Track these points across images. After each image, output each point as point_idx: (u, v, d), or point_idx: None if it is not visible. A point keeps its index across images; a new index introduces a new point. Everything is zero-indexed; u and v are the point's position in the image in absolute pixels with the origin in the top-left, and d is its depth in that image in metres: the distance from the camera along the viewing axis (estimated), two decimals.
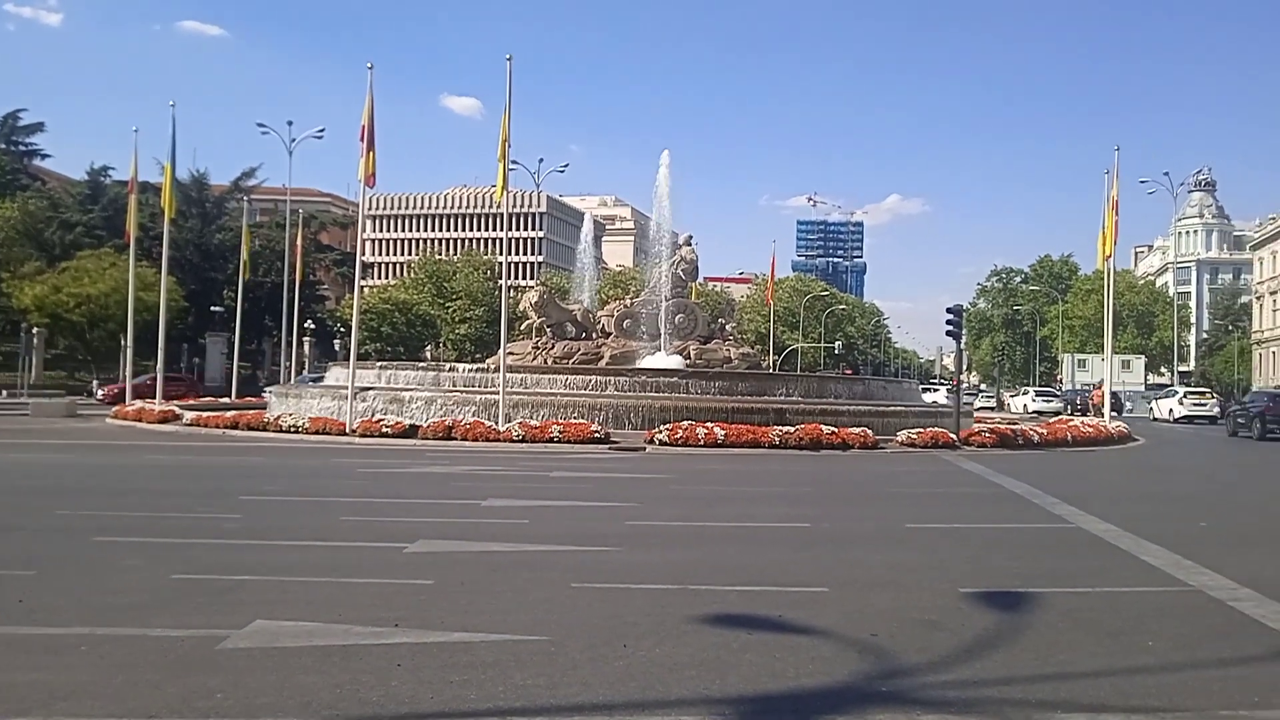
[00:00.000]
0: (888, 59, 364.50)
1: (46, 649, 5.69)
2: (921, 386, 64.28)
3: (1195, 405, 48.37)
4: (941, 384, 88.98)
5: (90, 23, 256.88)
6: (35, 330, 53.98)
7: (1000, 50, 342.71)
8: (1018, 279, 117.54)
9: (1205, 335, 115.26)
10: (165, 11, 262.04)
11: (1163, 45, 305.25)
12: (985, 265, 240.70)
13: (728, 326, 37.85)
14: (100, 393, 45.35)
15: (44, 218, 66.98)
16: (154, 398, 31.06)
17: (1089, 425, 29.66)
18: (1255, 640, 6.31)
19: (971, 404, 54.05)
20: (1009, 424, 28.88)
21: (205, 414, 28.01)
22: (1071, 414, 47.97)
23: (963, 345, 30.93)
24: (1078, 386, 74.96)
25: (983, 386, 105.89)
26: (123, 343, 36.98)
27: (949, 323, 27.62)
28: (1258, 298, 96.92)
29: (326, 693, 4.97)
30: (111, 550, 8.88)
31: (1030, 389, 72.66)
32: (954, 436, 24.05)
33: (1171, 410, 45.87)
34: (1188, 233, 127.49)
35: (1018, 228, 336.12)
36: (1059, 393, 69.43)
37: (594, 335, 34.93)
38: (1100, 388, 45.63)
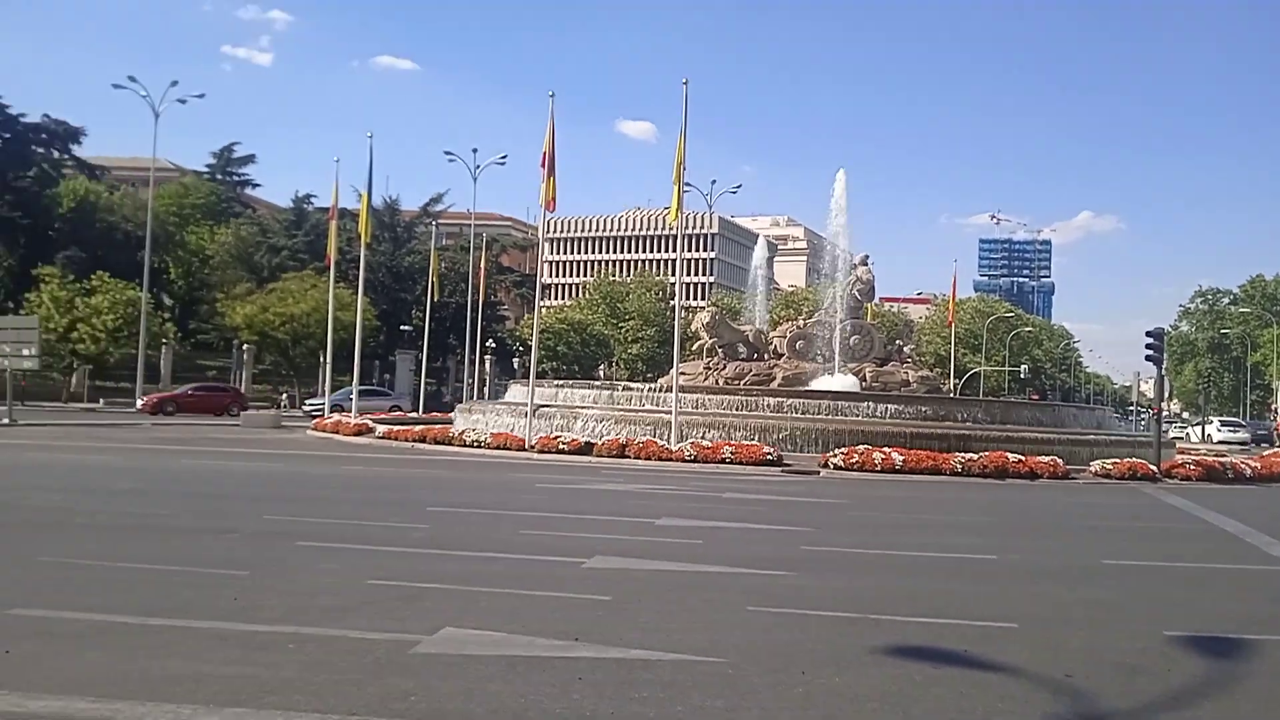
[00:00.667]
0: (1075, 69, 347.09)
1: (259, 645, 6.11)
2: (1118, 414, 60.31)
3: None
4: (1141, 412, 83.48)
5: (297, 61, 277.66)
6: (245, 346, 58.38)
7: (1200, 57, 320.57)
8: (1225, 300, 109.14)
9: None
10: (363, 48, 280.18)
11: None
12: (1185, 286, 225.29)
13: (905, 348, 36.84)
14: (139, 402, 46.10)
15: (254, 242, 72.64)
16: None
17: None
18: None
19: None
20: (1216, 455, 26.84)
21: (396, 428, 29.50)
22: (1258, 445, 44.63)
23: (1164, 370, 28.97)
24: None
25: (1184, 415, 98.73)
26: (322, 359, 39.53)
27: (1149, 346, 25.96)
28: None
29: (512, 701, 5.12)
30: (313, 555, 9.46)
31: (1216, 419, 68.09)
32: (1154, 468, 22.53)
33: None
34: None
35: (1222, 246, 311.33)
36: (1244, 423, 66.93)
37: (766, 356, 34.71)
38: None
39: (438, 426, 27.72)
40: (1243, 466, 23.85)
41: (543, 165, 25.24)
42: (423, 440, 26.34)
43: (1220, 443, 49.52)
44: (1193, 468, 23.14)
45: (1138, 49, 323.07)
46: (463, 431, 26.37)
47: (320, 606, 7.23)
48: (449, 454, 24.24)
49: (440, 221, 78.19)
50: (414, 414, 40.61)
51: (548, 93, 25.20)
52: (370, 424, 30.23)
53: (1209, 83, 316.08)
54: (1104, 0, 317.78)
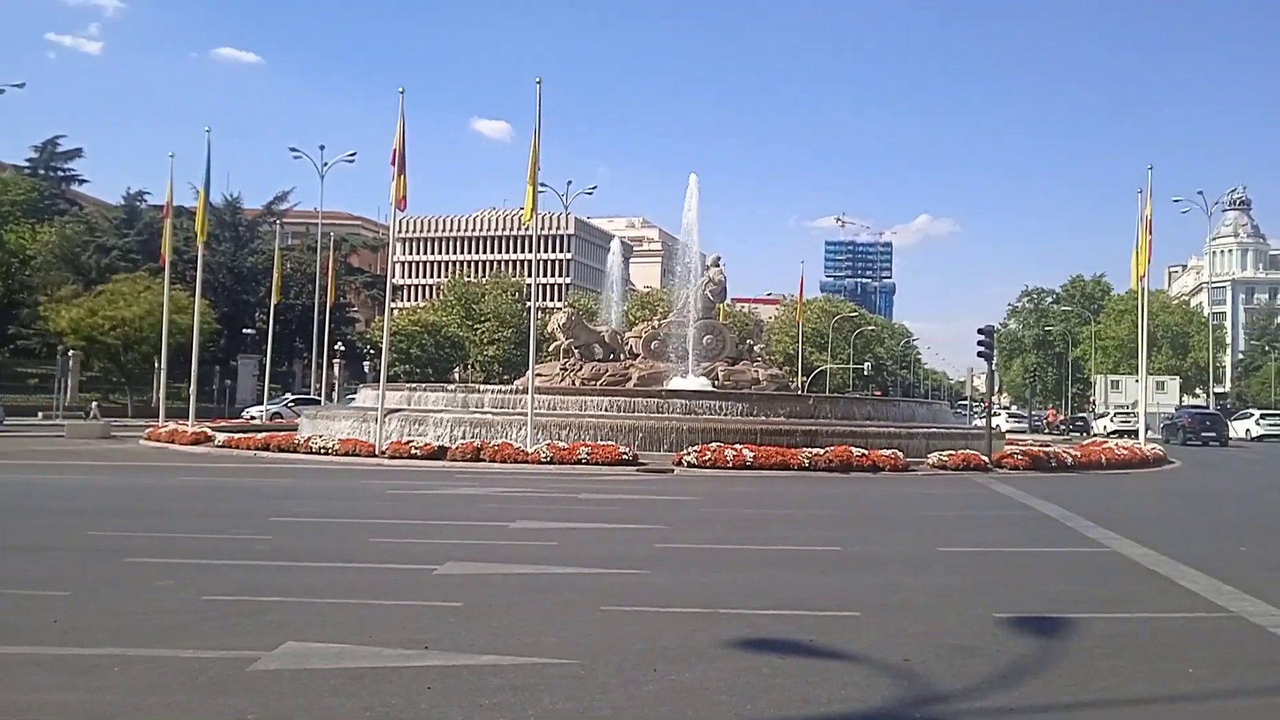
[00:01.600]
0: (916, 80, 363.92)
1: (81, 669, 5.72)
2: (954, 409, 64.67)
3: (1271, 425, 55.13)
4: (973, 405, 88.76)
5: (129, 50, 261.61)
6: (71, 353, 54.79)
7: (1030, 70, 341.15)
8: (1049, 299, 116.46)
9: (1241, 356, 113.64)
10: (202, 39, 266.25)
11: (1196, 66, 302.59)
12: (1016, 286, 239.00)
13: (756, 348, 37.73)
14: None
15: (81, 242, 68.25)
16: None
17: (1123, 448, 29.26)
18: None
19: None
20: (1042, 446, 28.57)
21: (237, 435, 28.26)
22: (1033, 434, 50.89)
23: (994, 366, 30.63)
24: (1110, 408, 74.21)
25: (1013, 408, 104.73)
26: (156, 365, 37.48)
27: (980, 343, 27.42)
28: None
29: (356, 714, 4.96)
30: (144, 571, 8.93)
31: (1004, 411, 77.81)
32: (986, 459, 23.80)
33: (1249, 430, 46.64)
34: (1222, 252, 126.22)
35: (1049, 248, 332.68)
36: (1026, 415, 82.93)
37: (622, 357, 34.94)
38: (1051, 409, 51.69)
39: (282, 434, 26.68)
40: (1065, 455, 25.45)
41: (393, 163, 24.67)
42: (266, 448, 25.30)
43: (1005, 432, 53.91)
44: (1020, 458, 24.55)
45: (973, 61, 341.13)
46: (309, 438, 25.46)
47: (151, 626, 6.83)
48: (294, 462, 23.36)
49: (285, 220, 75.58)
50: (256, 421, 39.05)
51: (398, 89, 24.48)
52: (209, 432, 28.86)
53: (1038, 92, 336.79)
54: (945, 12, 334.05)
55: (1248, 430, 52.07)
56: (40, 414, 49.36)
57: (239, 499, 16.23)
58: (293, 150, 51.51)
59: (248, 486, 18.41)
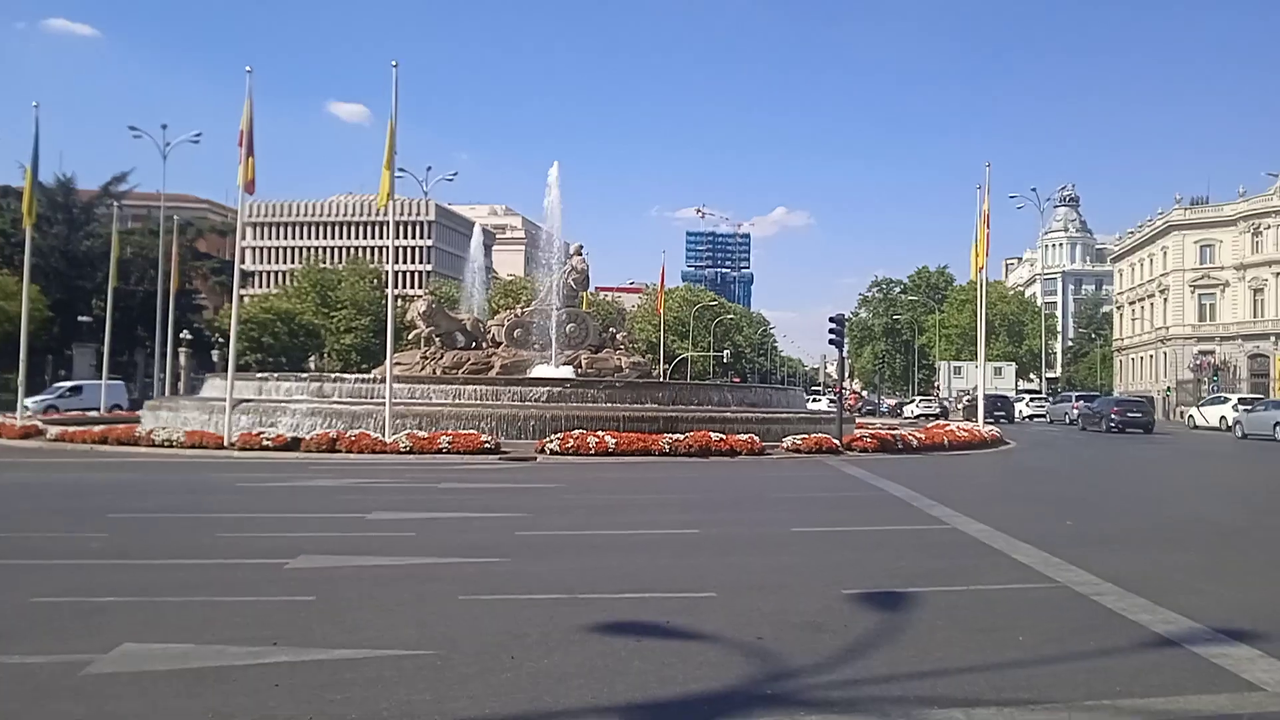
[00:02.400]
0: (773, 74, 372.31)
1: None
2: (809, 395, 67.42)
3: (1035, 406, 65.58)
4: (826, 391, 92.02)
5: None
6: None
7: (881, 67, 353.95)
8: (897, 289, 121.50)
9: (1071, 343, 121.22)
10: (31, 9, 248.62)
11: (1033, 65, 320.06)
12: (867, 276, 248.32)
13: (619, 336, 37.95)
14: None
15: None
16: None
17: (964, 430, 30.78)
18: (1117, 633, 6.64)
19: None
20: (889, 429, 29.76)
21: (71, 429, 26.62)
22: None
23: (845, 353, 31.73)
24: (953, 392, 78.16)
25: (864, 394, 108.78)
26: None
27: (832, 331, 28.34)
28: (1118, 307, 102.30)
29: (197, 716, 4.79)
30: None
31: (918, 397, 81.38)
32: (837, 442, 24.63)
33: (1223, 417, 47.61)
34: (1054, 245, 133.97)
35: (898, 240, 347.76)
36: (876, 400, 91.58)
37: (484, 345, 34.57)
38: (855, 391, 60.82)
39: (121, 426, 25.23)
40: (910, 438, 26.60)
41: (240, 144, 23.62)
42: (104, 441, 23.89)
43: (919, 416, 63.92)
44: (869, 440, 25.52)
45: (826, 58, 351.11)
46: (151, 430, 24.18)
47: None
48: (136, 455, 22.16)
49: (125, 203, 71.23)
50: (94, 412, 36.87)
51: (245, 68, 23.40)
52: (40, 425, 27.09)
53: (888, 90, 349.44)
54: (798, 12, 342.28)
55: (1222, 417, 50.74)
56: None
57: (73, 495, 15.29)
58: (132, 129, 48.66)
59: (83, 482, 17.38)
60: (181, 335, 56.45)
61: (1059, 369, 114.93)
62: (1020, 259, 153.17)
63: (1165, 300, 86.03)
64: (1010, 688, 5.35)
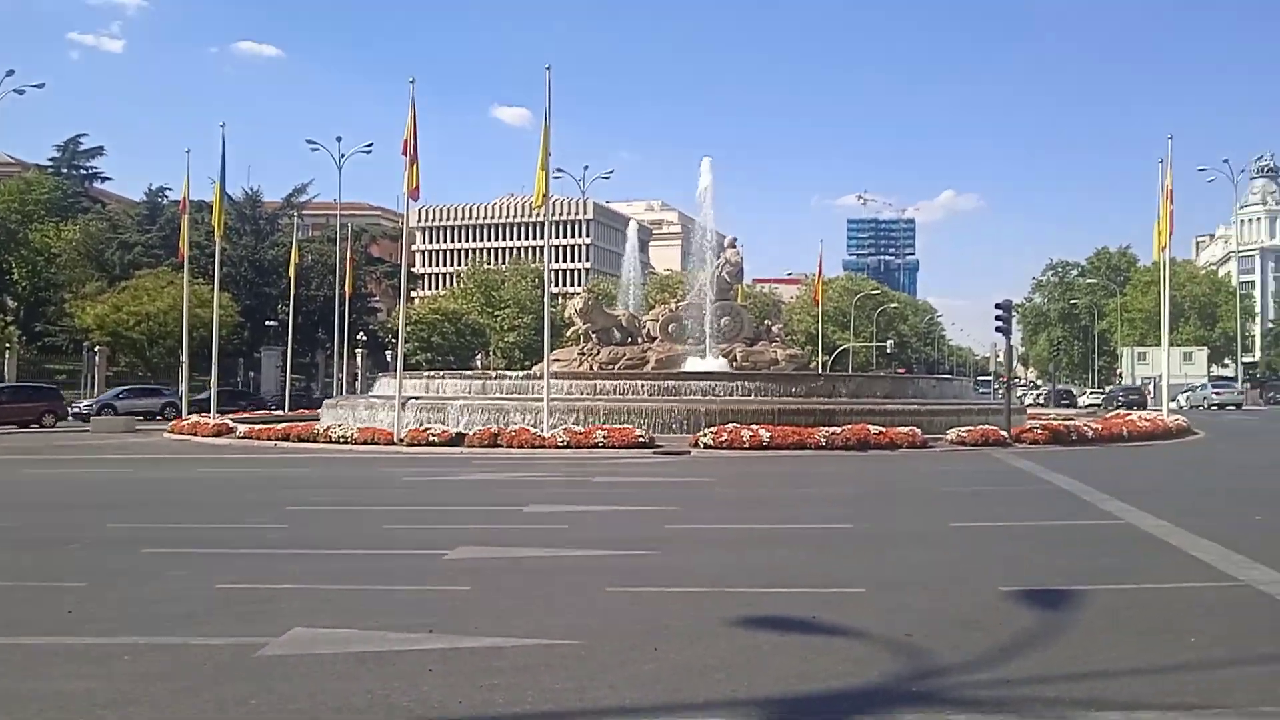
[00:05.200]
0: (937, 54, 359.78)
1: (92, 658, 5.83)
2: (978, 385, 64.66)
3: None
4: (996, 380, 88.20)
5: (150, 48, 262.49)
6: (97, 349, 55.45)
7: (1051, 40, 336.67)
8: (1074, 272, 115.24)
9: (1271, 325, 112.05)
10: (222, 34, 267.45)
11: (1219, 32, 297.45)
12: (1041, 260, 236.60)
13: (774, 328, 37.61)
14: None
15: (104, 239, 68.99)
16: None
17: (1145, 419, 29.01)
18: None
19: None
20: (1064, 420, 28.37)
21: (258, 427, 28.54)
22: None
23: (1017, 341, 30.45)
24: (1138, 381, 73.58)
25: (1039, 383, 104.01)
26: (180, 359, 37.86)
27: (998, 318, 27.24)
28: None
29: (358, 698, 5.03)
30: (160, 561, 9.08)
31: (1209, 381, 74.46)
32: (1005, 434, 23.66)
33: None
34: (1251, 220, 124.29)
35: (1075, 221, 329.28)
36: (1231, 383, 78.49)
37: (640, 340, 34.93)
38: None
39: (302, 424, 26.90)
40: (1085, 429, 25.27)
41: (404, 153, 24.73)
42: (286, 439, 25.53)
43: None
44: (1040, 432, 24.38)
45: (994, 33, 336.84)
46: (328, 428, 25.68)
47: (162, 614, 6.95)
48: (314, 451, 23.59)
49: (305, 213, 75.98)
50: (279, 412, 39.39)
51: (409, 79, 24.51)
52: (230, 424, 29.17)
53: (1060, 65, 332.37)
54: None
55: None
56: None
57: (256, 489, 16.42)
58: (310, 142, 51.84)
59: (266, 476, 18.63)
60: (358, 337, 59.63)
61: (1257, 353, 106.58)
62: (1212, 236, 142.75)
63: None
64: (1176, 692, 5.02)
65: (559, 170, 77.24)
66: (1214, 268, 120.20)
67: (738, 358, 33.25)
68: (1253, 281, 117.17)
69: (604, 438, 22.22)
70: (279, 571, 8.58)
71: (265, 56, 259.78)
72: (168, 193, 75.50)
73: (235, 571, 8.56)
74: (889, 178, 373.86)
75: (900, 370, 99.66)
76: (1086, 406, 59.69)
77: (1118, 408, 48.90)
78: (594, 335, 34.41)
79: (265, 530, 11.06)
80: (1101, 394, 66.89)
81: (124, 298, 55.43)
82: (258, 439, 26.37)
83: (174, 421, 32.32)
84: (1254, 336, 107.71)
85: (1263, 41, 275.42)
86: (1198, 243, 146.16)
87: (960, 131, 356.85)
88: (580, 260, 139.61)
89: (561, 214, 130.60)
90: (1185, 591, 7.50)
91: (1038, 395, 72.35)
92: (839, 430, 22.41)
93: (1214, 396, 58.31)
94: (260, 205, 75.82)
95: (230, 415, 32.59)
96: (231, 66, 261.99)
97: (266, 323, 63.55)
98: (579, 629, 6.40)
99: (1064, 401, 67.20)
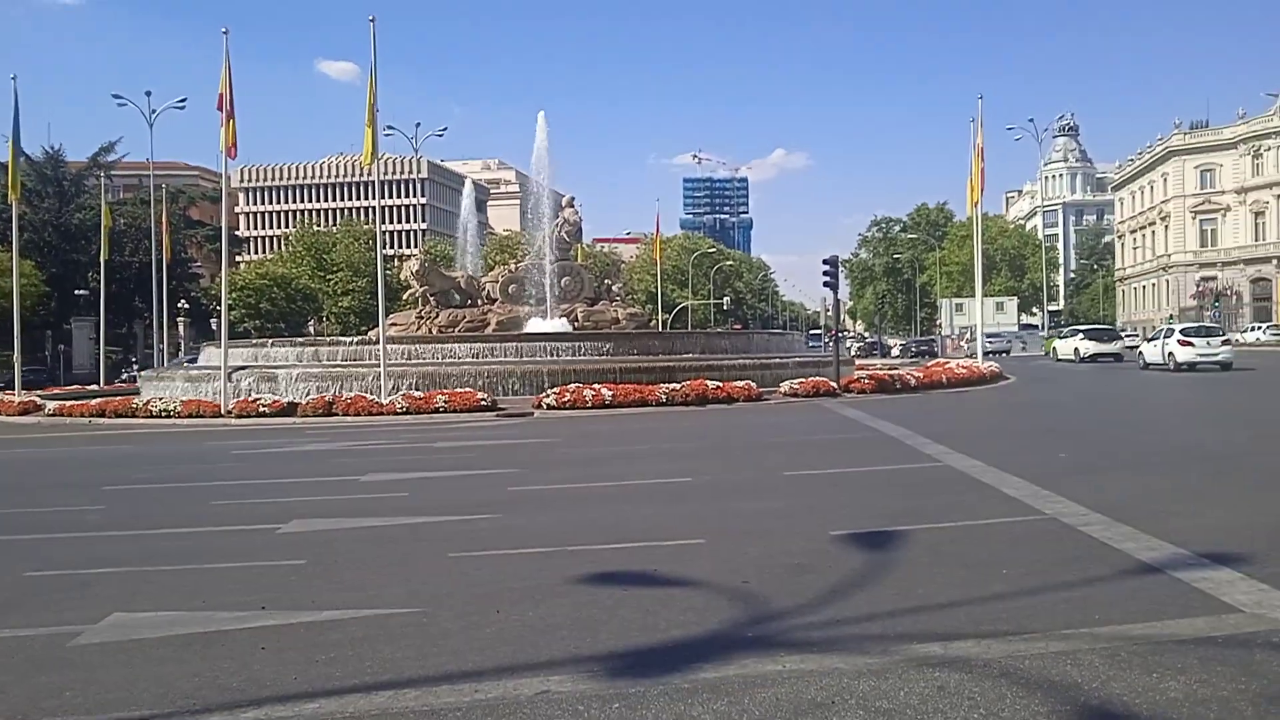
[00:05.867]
0: (767, 14, 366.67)
1: None
2: (809, 339, 67.50)
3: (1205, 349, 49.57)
4: (824, 334, 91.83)
5: None
6: None
7: (875, 3, 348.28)
8: (897, 228, 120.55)
9: (1073, 275, 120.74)
10: None
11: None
12: (868, 217, 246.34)
13: (614, 287, 37.80)
14: None
15: None
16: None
17: (963, 367, 30.79)
18: (1101, 561, 6.67)
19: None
20: (889, 369, 29.77)
21: (70, 403, 26.68)
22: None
23: (845, 295, 31.65)
24: (955, 329, 78.02)
25: (866, 335, 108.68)
26: None
27: (825, 273, 28.23)
28: (1119, 237, 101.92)
29: (184, 682, 4.82)
30: None
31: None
32: (835, 385, 24.64)
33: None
34: (1054, 176, 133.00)
35: (898, 178, 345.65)
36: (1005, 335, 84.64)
37: (480, 302, 34.48)
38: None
39: (118, 399, 25.32)
40: (909, 377, 26.60)
41: (220, 108, 23.37)
42: (101, 415, 23.98)
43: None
44: (867, 382, 25.52)
45: None
46: (149, 401, 24.26)
47: None
48: (134, 427, 22.25)
49: (114, 173, 70.96)
50: (94, 386, 36.94)
51: (221, 29, 23.02)
52: (38, 401, 27.16)
53: (882, 25, 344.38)
54: None
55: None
56: None
57: (70, 469, 15.39)
58: (116, 97, 48.12)
59: (80, 455, 17.47)
60: (179, 305, 56.43)
61: (1061, 301, 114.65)
62: (1020, 192, 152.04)
63: (1166, 227, 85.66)
64: (990, 620, 5.38)
65: (390, 128, 74.90)
66: (1022, 222, 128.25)
67: (579, 318, 33.30)
68: (1056, 235, 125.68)
69: (445, 402, 21.89)
70: (96, 555, 8.09)
71: (62, 5, 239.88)
72: None
73: (47, 558, 8.02)
74: (723, 137, 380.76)
75: (736, 326, 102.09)
76: (896, 356, 64.73)
77: (912, 356, 58.32)
78: (432, 298, 33.75)
79: (80, 513, 10.38)
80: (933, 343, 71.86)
81: None
82: (70, 416, 24.63)
83: None
84: (1059, 286, 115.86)
85: (1067, 5, 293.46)
86: (1008, 198, 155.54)
87: (790, 92, 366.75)
88: (415, 221, 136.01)
89: (394, 173, 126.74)
90: (998, 527, 8.02)
91: (860, 348, 77.24)
92: (678, 386, 22.81)
93: (988, 345, 55.46)
94: (63, 165, 70.24)
95: (38, 392, 30.35)
96: (24, 14, 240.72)
97: (76, 292, 59.21)
98: (420, 596, 6.33)
99: (875, 352, 73.05)
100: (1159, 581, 6.13)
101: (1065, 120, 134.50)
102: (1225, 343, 35.58)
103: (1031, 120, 75.41)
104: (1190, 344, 34.64)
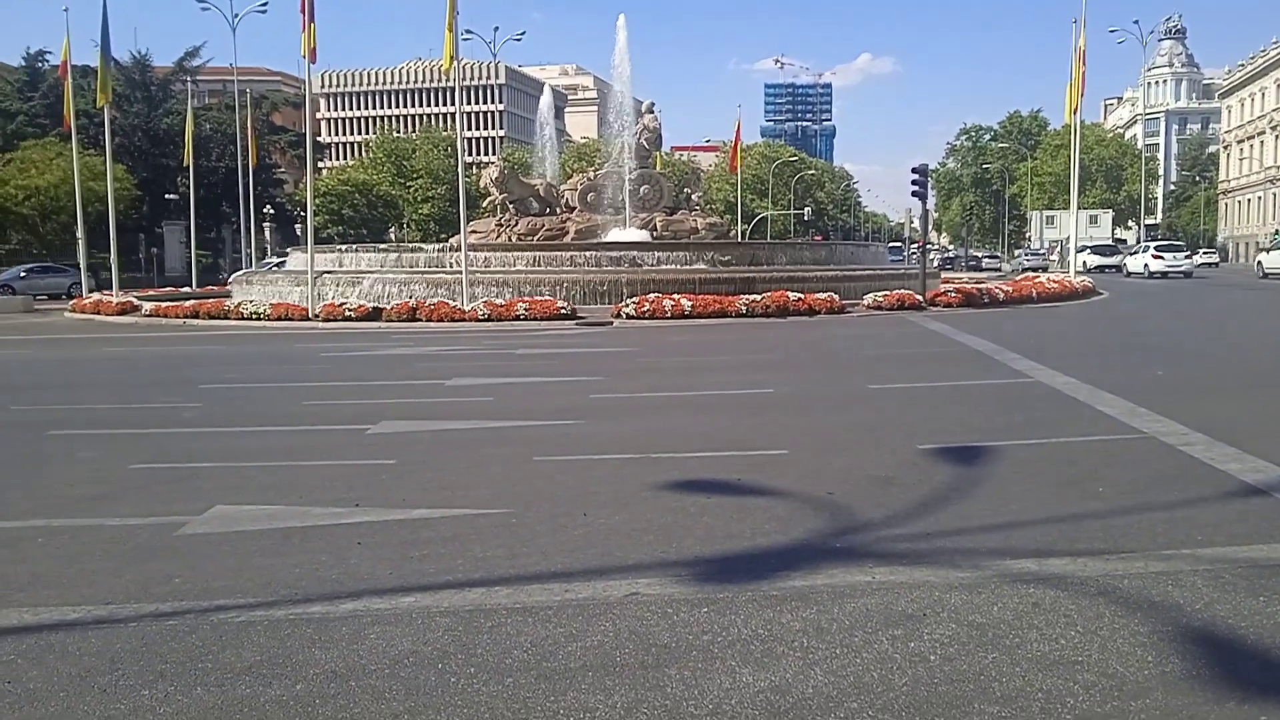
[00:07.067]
0: None
1: (2, 542, 5.65)
2: (890, 250, 65.78)
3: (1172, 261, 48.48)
4: (908, 245, 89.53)
5: None
6: None
7: None
8: (987, 137, 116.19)
9: (1173, 187, 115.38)
10: None
11: None
12: (956, 125, 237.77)
13: (694, 196, 37.34)
14: None
15: None
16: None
17: (1054, 281, 29.87)
18: (1201, 482, 6.44)
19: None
20: (975, 283, 29.03)
21: (165, 304, 27.57)
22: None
23: (931, 206, 30.79)
24: (1045, 244, 75.53)
25: (950, 247, 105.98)
26: (76, 235, 36.11)
27: (914, 183, 27.44)
28: (1225, 147, 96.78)
29: (285, 573, 4.98)
30: (68, 443, 8.79)
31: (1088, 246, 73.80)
32: (920, 298, 24.14)
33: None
34: (1157, 83, 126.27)
35: (990, 84, 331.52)
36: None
37: (558, 210, 34.39)
38: None
39: (211, 301, 26.07)
40: (997, 291, 25.92)
41: (302, 11, 23.34)
42: (195, 316, 24.74)
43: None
44: (954, 295, 24.92)
45: None
46: (239, 304, 24.93)
47: (76, 497, 6.75)
48: (225, 329, 22.93)
49: (199, 79, 71.78)
50: (186, 289, 38.10)
51: None
52: (136, 301, 28.11)
53: None
54: None
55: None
56: None
57: (167, 368, 15.94)
58: (200, 0, 48.48)
59: (176, 355, 18.08)
60: (264, 210, 57.48)
61: (1159, 215, 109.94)
62: (1121, 99, 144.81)
63: (1277, 137, 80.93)
64: (1085, 539, 5.25)
65: (468, 32, 73.85)
66: (1120, 131, 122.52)
67: (658, 227, 33.04)
68: (1157, 145, 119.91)
69: (525, 310, 22.03)
70: (196, 450, 8.39)
71: None
72: (48, 56, 70.47)
73: (150, 452, 8.34)
74: (806, 42, 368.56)
75: (817, 237, 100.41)
76: (995, 269, 61.17)
77: (1023, 272, 50.85)
78: (511, 206, 33.74)
79: (179, 409, 10.75)
80: (1000, 260, 69.66)
81: (9, 171, 52.24)
82: (165, 317, 25.49)
83: (75, 300, 30.99)
84: (1157, 199, 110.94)
85: None
86: (1105, 106, 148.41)
87: None
88: (494, 128, 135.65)
89: (473, 79, 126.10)
90: (1093, 445, 7.80)
91: (943, 260, 74.16)
92: (759, 298, 22.57)
93: (1091, 260, 54.90)
94: (150, 70, 71.27)
95: (135, 293, 31.39)
96: None
97: (166, 196, 60.65)
98: (507, 498, 6.41)
99: (972, 265, 68.80)
100: (1266, 503, 5.90)
101: (1172, 22, 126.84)
102: (1188, 258, 48.54)
103: (1136, 22, 71.47)
104: (1161, 258, 46.04)
